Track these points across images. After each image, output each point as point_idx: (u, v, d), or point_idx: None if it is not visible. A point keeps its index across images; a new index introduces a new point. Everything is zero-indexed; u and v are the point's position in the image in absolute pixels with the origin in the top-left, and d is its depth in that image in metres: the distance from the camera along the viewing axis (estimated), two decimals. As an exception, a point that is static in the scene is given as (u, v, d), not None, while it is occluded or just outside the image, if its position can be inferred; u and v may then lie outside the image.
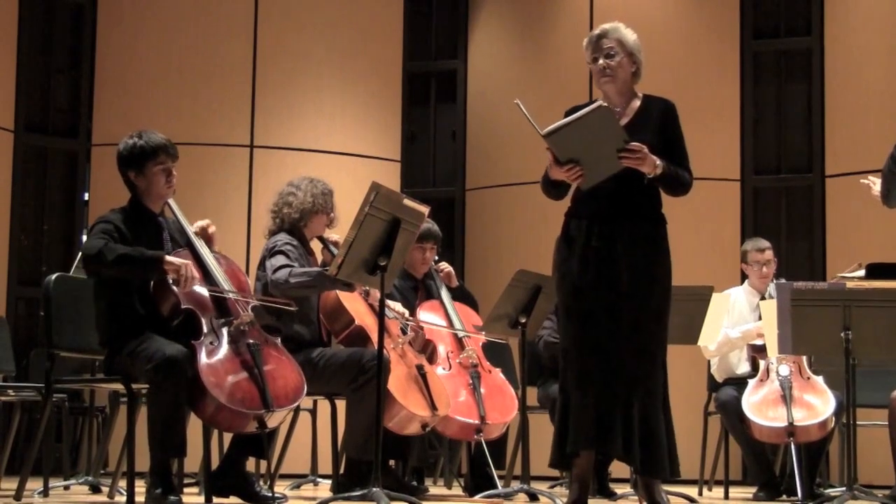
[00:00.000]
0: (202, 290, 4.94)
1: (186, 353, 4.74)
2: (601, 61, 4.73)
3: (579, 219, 4.68)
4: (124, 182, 5.07)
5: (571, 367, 4.60)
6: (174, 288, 4.85)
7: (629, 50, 4.74)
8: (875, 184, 5.78)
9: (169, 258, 4.80)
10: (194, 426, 5.02)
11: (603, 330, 4.56)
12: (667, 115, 4.74)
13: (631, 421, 4.51)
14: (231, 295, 5.00)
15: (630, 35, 4.77)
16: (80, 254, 4.96)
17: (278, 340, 5.11)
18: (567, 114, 4.63)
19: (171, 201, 5.12)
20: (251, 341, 4.92)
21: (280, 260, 5.71)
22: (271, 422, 4.88)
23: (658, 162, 4.58)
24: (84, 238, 9.13)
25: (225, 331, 4.91)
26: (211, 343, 4.84)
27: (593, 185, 4.59)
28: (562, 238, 4.73)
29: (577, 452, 4.58)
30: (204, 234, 5.17)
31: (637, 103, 4.77)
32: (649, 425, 4.52)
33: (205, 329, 4.86)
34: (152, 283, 4.90)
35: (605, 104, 4.54)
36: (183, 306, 4.88)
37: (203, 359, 4.76)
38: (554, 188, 4.74)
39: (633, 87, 4.80)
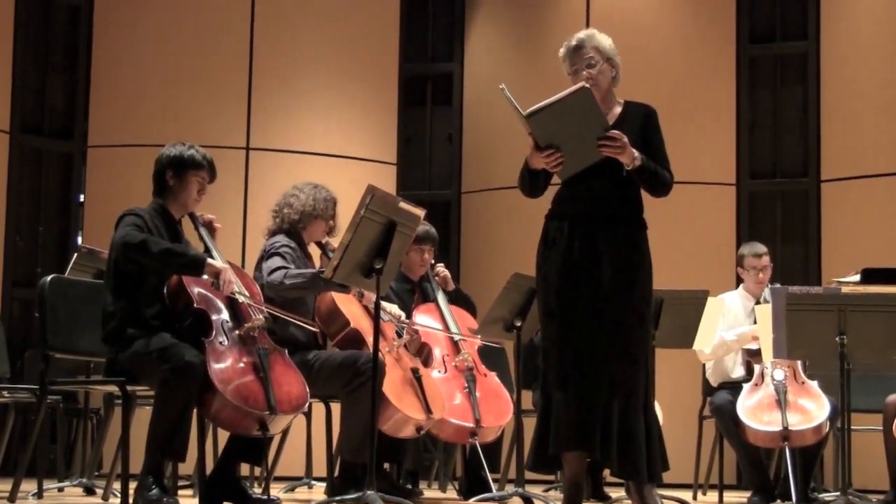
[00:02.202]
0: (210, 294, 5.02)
1: (203, 360, 4.79)
2: (584, 72, 4.73)
3: (559, 220, 4.69)
4: (155, 181, 5.20)
5: (553, 368, 4.60)
6: (188, 288, 4.95)
7: (607, 56, 4.77)
8: None
9: (211, 261, 4.94)
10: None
11: (584, 332, 4.56)
12: (647, 120, 4.76)
13: (610, 423, 4.51)
14: (242, 299, 5.05)
15: (605, 40, 4.80)
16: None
17: (286, 352, 5.17)
18: None
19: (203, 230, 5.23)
20: (260, 346, 4.99)
21: (276, 262, 5.73)
22: (273, 427, 4.92)
23: (637, 154, 4.59)
24: (79, 239, 9.17)
25: (235, 333, 4.98)
26: (221, 343, 4.91)
27: (572, 174, 4.59)
28: (541, 240, 4.73)
29: (558, 454, 4.59)
30: (210, 226, 5.29)
31: (618, 109, 4.79)
32: (628, 428, 4.52)
33: (215, 329, 4.93)
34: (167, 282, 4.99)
35: (588, 86, 4.55)
36: (195, 306, 4.95)
37: (212, 356, 4.83)
38: (532, 179, 4.72)
39: (613, 93, 4.82)
